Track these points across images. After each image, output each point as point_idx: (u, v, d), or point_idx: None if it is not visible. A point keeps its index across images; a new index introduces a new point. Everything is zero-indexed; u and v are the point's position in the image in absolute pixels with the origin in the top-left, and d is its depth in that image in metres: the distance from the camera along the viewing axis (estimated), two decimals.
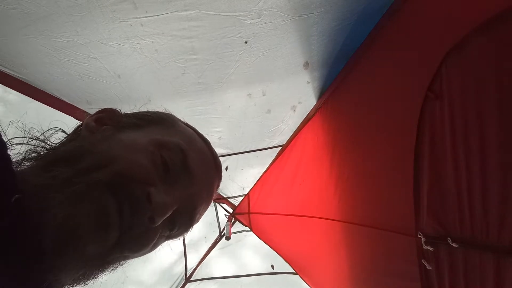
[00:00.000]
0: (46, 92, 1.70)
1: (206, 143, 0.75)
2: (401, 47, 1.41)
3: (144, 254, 0.62)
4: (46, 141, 0.61)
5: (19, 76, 1.59)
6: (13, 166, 0.49)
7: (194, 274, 3.39)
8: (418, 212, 1.50)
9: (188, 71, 1.72)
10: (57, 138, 0.64)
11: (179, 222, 0.64)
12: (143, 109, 0.75)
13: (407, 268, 1.62)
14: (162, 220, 0.56)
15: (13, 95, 1.62)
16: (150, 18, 1.41)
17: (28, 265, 0.44)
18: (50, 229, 0.45)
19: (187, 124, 0.77)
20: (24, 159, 0.55)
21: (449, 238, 1.34)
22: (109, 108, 0.72)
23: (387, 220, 1.74)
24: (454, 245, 1.32)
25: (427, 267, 1.48)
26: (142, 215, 0.54)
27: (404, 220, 1.56)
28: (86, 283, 0.54)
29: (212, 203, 3.19)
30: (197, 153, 0.68)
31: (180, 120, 0.76)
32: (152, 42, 1.52)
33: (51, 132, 0.63)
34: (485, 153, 1.14)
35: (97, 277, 0.55)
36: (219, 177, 0.77)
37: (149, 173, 0.57)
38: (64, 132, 0.67)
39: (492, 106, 1.09)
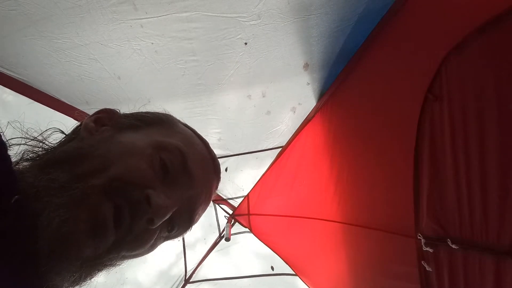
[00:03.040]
0: (45, 93, 1.70)
1: (205, 144, 0.75)
2: (400, 48, 1.41)
3: (142, 254, 0.62)
4: (44, 141, 0.61)
5: (19, 77, 1.59)
6: (13, 167, 0.49)
7: (194, 275, 3.38)
8: (417, 213, 1.50)
9: (187, 72, 1.72)
10: (55, 139, 0.63)
11: (178, 223, 0.64)
12: (143, 110, 0.75)
13: (406, 270, 1.62)
14: (161, 222, 0.56)
15: (13, 96, 1.62)
16: (150, 19, 1.41)
17: (25, 268, 0.44)
18: (46, 233, 0.45)
19: (186, 125, 0.76)
20: (21, 159, 0.55)
21: (448, 240, 1.34)
22: (108, 109, 0.71)
23: (386, 221, 1.73)
24: (453, 246, 1.31)
25: (427, 269, 1.48)
26: (141, 217, 0.54)
27: (404, 222, 1.56)
28: (83, 284, 0.54)
29: (212, 204, 3.19)
30: (196, 154, 0.68)
31: (179, 121, 0.76)
32: (152, 43, 1.52)
33: (49, 132, 0.63)
34: (485, 154, 1.13)
35: (93, 278, 0.55)
36: (217, 178, 0.77)
37: (147, 176, 0.57)
38: (62, 132, 0.66)
39: (491, 107, 1.09)
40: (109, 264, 0.57)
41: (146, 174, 0.57)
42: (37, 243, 0.45)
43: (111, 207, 0.51)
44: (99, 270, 0.55)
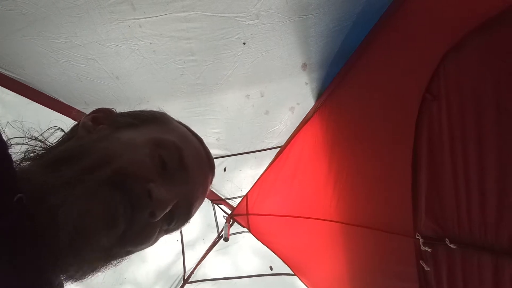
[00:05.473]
0: (44, 93, 1.69)
1: (200, 141, 0.77)
2: (399, 48, 1.41)
3: (145, 248, 0.64)
4: (45, 140, 0.62)
5: (17, 77, 1.58)
6: (14, 166, 0.50)
7: (192, 275, 3.38)
8: (416, 213, 1.50)
9: (186, 72, 1.72)
10: (56, 137, 0.65)
11: (177, 217, 0.67)
12: (139, 108, 0.76)
13: (405, 269, 1.63)
14: (162, 215, 0.58)
15: (11, 96, 1.61)
16: (148, 19, 1.41)
17: (38, 263, 0.46)
18: (64, 226, 0.47)
19: (180, 122, 0.79)
20: (23, 158, 0.57)
21: (447, 239, 1.34)
22: (105, 108, 0.73)
23: (385, 221, 1.74)
24: (452, 246, 1.32)
25: (425, 268, 1.48)
26: (143, 211, 0.56)
27: (402, 221, 1.56)
28: (88, 277, 0.56)
29: (211, 204, 3.19)
30: (192, 150, 0.71)
31: (173, 119, 0.78)
32: (150, 43, 1.52)
33: (50, 131, 0.65)
34: (483, 153, 1.14)
35: (99, 271, 0.57)
36: (212, 173, 0.79)
37: (148, 170, 0.59)
38: (63, 131, 0.68)
39: (490, 108, 1.09)
40: (115, 259, 0.59)
41: (148, 167, 0.60)
42: (57, 237, 0.46)
43: (120, 198, 0.54)
44: (106, 264, 0.57)
